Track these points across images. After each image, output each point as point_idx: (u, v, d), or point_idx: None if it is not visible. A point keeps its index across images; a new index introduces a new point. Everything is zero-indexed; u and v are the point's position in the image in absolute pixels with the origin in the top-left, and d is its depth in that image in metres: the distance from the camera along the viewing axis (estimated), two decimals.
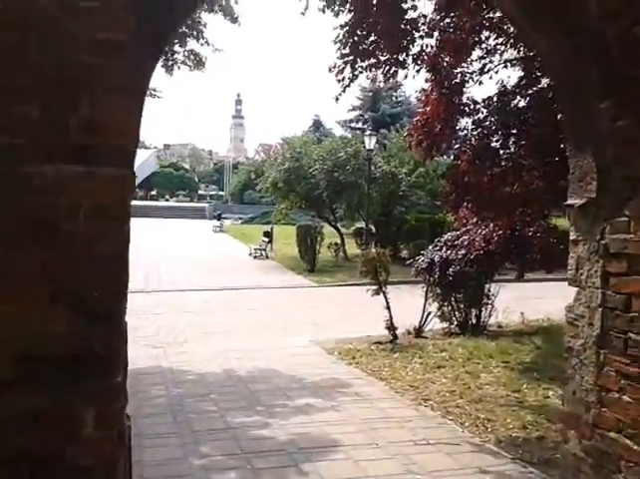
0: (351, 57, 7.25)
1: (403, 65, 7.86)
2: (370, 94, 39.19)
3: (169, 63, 9.86)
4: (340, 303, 14.33)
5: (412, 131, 9.19)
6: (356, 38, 7.15)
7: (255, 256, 23.32)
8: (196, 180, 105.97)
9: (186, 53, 9.92)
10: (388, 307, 9.60)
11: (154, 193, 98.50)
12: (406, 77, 8.12)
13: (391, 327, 9.66)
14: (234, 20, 9.36)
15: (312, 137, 23.29)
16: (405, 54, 7.75)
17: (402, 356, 8.59)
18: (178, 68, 9.94)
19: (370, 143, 18.75)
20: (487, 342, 9.27)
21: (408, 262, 11.16)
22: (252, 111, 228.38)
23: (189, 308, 13.02)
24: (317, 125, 42.93)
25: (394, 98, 39.50)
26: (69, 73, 2.27)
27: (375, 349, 9.09)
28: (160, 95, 10.71)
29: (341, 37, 7.19)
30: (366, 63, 7.39)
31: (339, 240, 21.82)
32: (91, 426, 2.35)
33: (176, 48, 9.79)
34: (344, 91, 7.61)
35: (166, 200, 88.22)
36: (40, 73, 2.24)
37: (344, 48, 7.17)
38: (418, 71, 8.10)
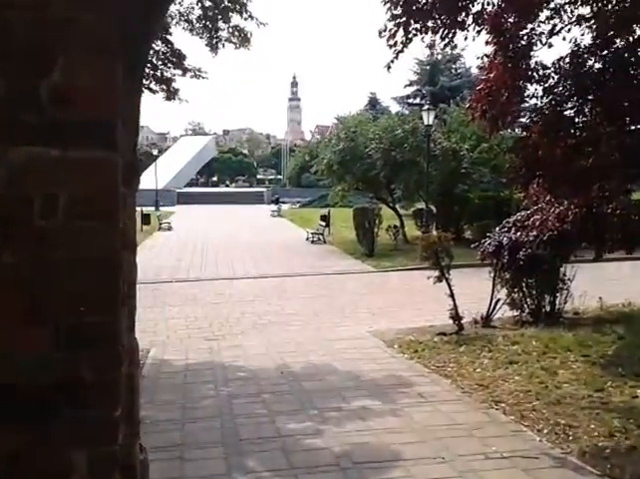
0: (403, 18, 6.50)
1: (462, 26, 7.06)
2: (427, 67, 37.73)
3: (214, 41, 9.43)
4: (400, 290, 13.69)
5: (474, 101, 8.39)
6: None
7: (313, 241, 22.91)
8: (255, 164, 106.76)
9: (230, 29, 9.42)
10: (452, 295, 8.92)
11: (214, 179, 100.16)
12: (465, 39, 7.28)
13: (456, 317, 8.98)
14: None
15: (367, 115, 22.44)
16: (464, 13, 6.94)
17: (469, 350, 7.91)
18: (223, 46, 9.49)
19: (428, 118, 17.80)
20: (564, 333, 8.41)
21: (473, 246, 10.36)
22: (309, 92, 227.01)
23: (246, 297, 12.75)
24: (373, 103, 41.83)
25: (453, 70, 37.85)
26: (38, 29, 1.82)
27: (439, 342, 8.45)
28: (205, 75, 10.28)
29: None
30: (420, 24, 6.61)
31: (398, 223, 21.02)
32: (83, 471, 1.94)
33: (220, 24, 9.33)
34: (396, 57, 6.88)
35: (227, 185, 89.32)
36: (3, 28, 1.79)
37: (395, 8, 6.42)
38: (479, 32, 7.27)
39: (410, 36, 6.66)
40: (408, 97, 37.11)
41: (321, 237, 22.88)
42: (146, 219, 28.30)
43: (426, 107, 17.51)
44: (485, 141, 20.65)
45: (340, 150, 20.14)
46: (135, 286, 2.62)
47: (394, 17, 6.44)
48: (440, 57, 38.21)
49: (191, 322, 10.48)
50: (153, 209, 40.95)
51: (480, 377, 6.69)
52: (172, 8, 9.62)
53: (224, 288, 13.75)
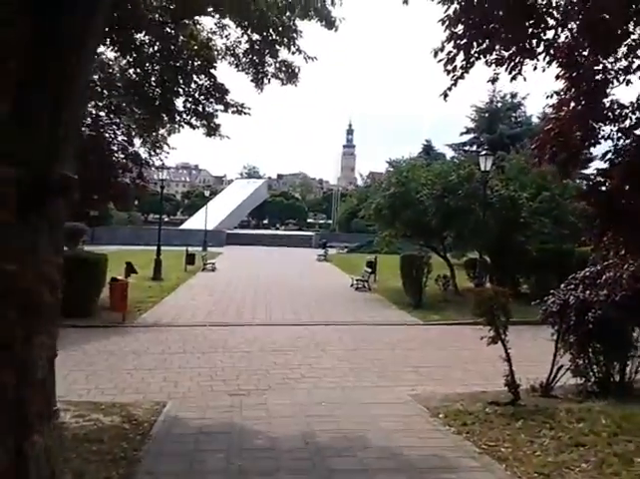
0: (464, 40, 5.67)
1: (531, 54, 6.19)
2: (486, 114, 36.86)
3: (259, 76, 8.93)
4: (448, 346, 12.49)
5: (542, 143, 7.47)
6: (471, 17, 5.57)
7: (357, 288, 21.92)
8: (306, 208, 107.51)
9: (278, 64, 8.92)
10: (508, 360, 7.79)
11: (266, 221, 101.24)
12: (535, 69, 6.38)
13: (512, 385, 7.82)
14: (330, 25, 8.22)
15: (421, 161, 21.65)
16: (536, 40, 6.08)
17: (526, 426, 6.74)
18: (269, 81, 8.97)
19: (486, 164, 16.81)
20: (638, 410, 7.11)
21: (534, 303, 9.22)
22: (363, 139, 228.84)
23: (279, 346, 11.86)
24: (427, 150, 41.11)
25: (513, 118, 36.81)
26: None
27: (491, 413, 7.30)
28: (249, 111, 9.77)
29: (451, 13, 5.60)
30: (485, 45, 5.76)
31: (448, 273, 19.83)
32: None
33: (267, 59, 8.83)
34: (455, 84, 6.02)
35: (276, 228, 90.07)
36: None
37: (454, 26, 5.60)
38: (549, 62, 6.37)
39: (471, 60, 5.81)
40: (464, 144, 36.21)
41: (366, 284, 21.88)
42: (190, 259, 28.13)
43: (483, 152, 16.56)
44: (547, 189, 19.46)
45: (390, 194, 19.31)
46: None
47: (453, 37, 5.61)
48: (499, 105, 37.43)
49: (217, 373, 9.64)
50: (200, 249, 41.12)
51: (541, 463, 5.54)
52: (219, 42, 9.29)
53: (259, 335, 12.92)
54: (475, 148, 33.45)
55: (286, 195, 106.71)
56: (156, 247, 24.05)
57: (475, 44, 5.67)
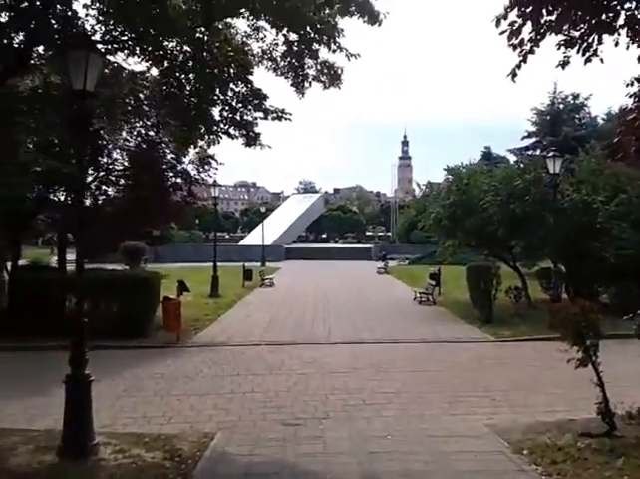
0: (530, 7, 4.75)
1: (610, 29, 5.20)
2: (548, 117, 35.03)
3: (299, 79, 8.28)
4: (525, 366, 11.32)
5: (624, 135, 6.48)
6: None
7: (420, 302, 20.83)
8: (364, 221, 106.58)
9: (319, 66, 8.24)
10: (601, 385, 6.72)
11: (324, 235, 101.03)
12: (617, 44, 5.37)
13: (606, 414, 6.73)
14: (373, 19, 7.49)
15: (481, 166, 20.45)
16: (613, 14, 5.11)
17: (630, 465, 5.73)
18: (310, 84, 8.31)
19: (554, 166, 15.49)
20: None
21: (627, 317, 8.10)
22: (419, 149, 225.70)
23: (338, 367, 11.07)
24: (487, 156, 39.46)
25: (577, 120, 34.80)
26: None
27: (584, 448, 6.28)
28: (289, 117, 9.13)
29: None
30: (555, 15, 4.81)
31: (519, 284, 18.47)
32: None
33: (307, 60, 8.17)
34: (524, 60, 5.10)
35: (335, 241, 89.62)
36: None
37: None
38: (633, 39, 5.35)
39: (542, 31, 4.88)
40: (527, 148, 34.47)
41: (430, 297, 20.76)
42: (248, 275, 27.82)
43: (551, 154, 15.28)
44: (623, 191, 17.85)
45: (450, 203, 18.22)
46: None
47: (518, 2, 4.68)
48: (561, 106, 35.53)
49: (271, 399, 8.95)
50: (259, 264, 41.04)
51: None
52: (255, 46, 8.75)
53: (317, 355, 12.17)
54: (538, 152, 31.74)
55: (343, 208, 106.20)
56: (218, 264, 23.89)
57: (544, 11, 4.73)
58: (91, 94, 6.53)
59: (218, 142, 9.56)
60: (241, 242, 62.17)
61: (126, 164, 18.44)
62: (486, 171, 20.33)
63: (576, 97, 35.62)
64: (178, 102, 8.73)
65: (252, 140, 9.11)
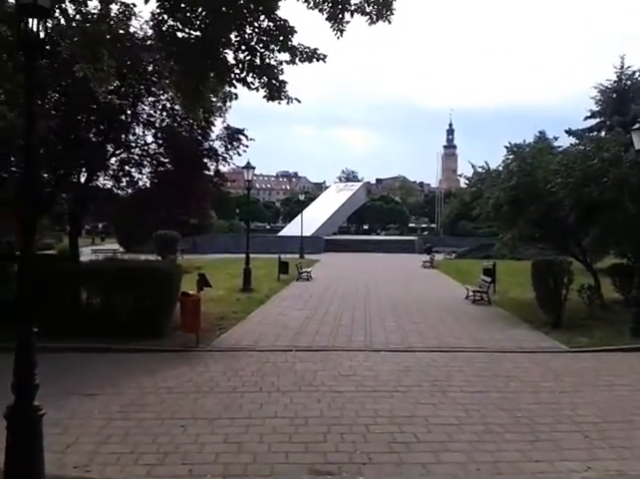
0: None
1: None
2: (614, 95, 31.81)
3: (337, 11, 6.26)
4: (613, 386, 9.07)
5: None
6: None
7: (474, 300, 18.54)
8: (407, 212, 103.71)
9: None
10: None
11: (365, 227, 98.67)
12: None
13: None
14: None
15: (547, 144, 17.89)
16: None
17: None
18: (351, 15, 6.27)
19: None
20: None
21: None
22: (464, 138, 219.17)
23: (382, 383, 9.07)
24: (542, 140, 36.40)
25: None
26: None
27: None
28: (323, 57, 7.14)
29: None
30: None
31: (590, 281, 15.98)
32: None
33: None
34: None
35: (377, 233, 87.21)
36: None
37: None
38: None
39: None
40: (590, 130, 31.41)
41: (485, 295, 18.45)
42: (284, 267, 26.05)
43: (638, 125, 12.75)
44: None
45: (512, 186, 15.84)
46: None
47: None
48: (629, 83, 32.22)
49: (298, 428, 7.03)
50: (298, 256, 39.31)
51: None
52: None
53: (356, 366, 10.21)
54: (603, 133, 28.71)
55: (386, 198, 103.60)
56: (254, 255, 22.15)
57: None
58: (45, 11, 4.68)
59: (235, 97, 7.72)
60: (280, 233, 60.58)
61: (150, 141, 16.87)
62: (552, 149, 17.83)
63: None
64: (181, 42, 6.85)
65: (276, 90, 7.16)
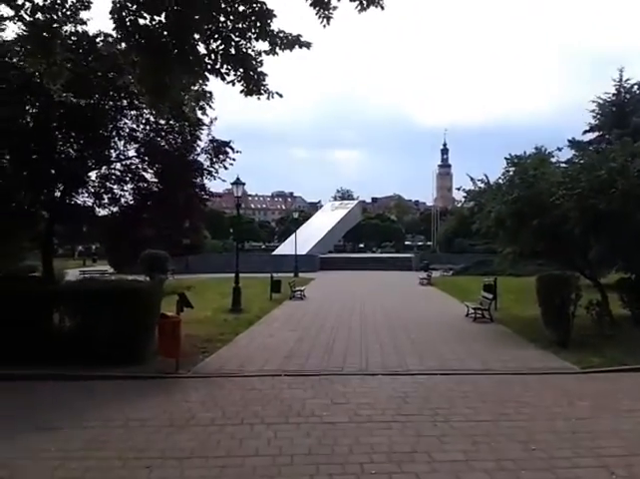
0: None
1: None
2: (613, 108, 31.27)
3: None
4: (635, 412, 8.15)
5: None
6: None
7: (475, 318, 17.64)
8: (403, 230, 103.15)
9: None
10: None
11: (361, 245, 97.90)
12: None
13: None
14: None
15: (549, 155, 17.13)
16: None
17: None
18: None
19: None
20: None
21: None
22: (458, 158, 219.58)
23: (379, 412, 8.13)
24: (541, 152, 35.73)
25: None
26: None
27: None
28: (308, 44, 6.34)
29: None
30: None
31: (598, 297, 15.10)
32: None
33: None
34: None
35: (373, 251, 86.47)
36: None
37: None
38: None
39: None
40: (589, 143, 30.81)
41: (486, 313, 17.56)
42: (276, 286, 25.13)
43: None
44: None
45: (514, 199, 15.03)
46: None
47: None
48: (627, 96, 31.71)
49: (282, 469, 6.10)
50: (292, 274, 38.45)
51: None
52: None
53: (350, 392, 9.27)
54: (603, 146, 28.10)
55: (382, 216, 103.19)
56: (249, 274, 21.22)
57: None
58: None
59: (210, 95, 6.94)
60: (275, 252, 59.67)
61: (132, 156, 16.08)
62: (554, 162, 17.07)
63: None
64: (145, 30, 6.04)
65: (254, 84, 6.36)
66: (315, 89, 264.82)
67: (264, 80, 6.49)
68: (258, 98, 6.57)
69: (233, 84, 6.42)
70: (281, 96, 6.79)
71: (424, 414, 8.00)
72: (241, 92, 6.53)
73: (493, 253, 24.36)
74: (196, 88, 7.34)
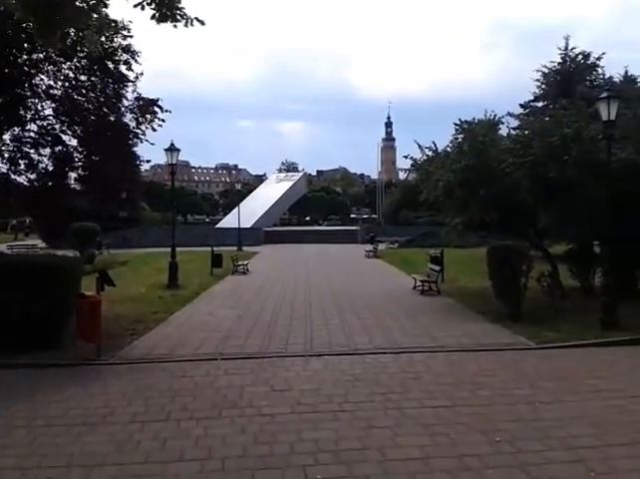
0: None
1: None
2: (558, 77, 31.22)
3: None
4: (599, 392, 7.63)
5: None
6: None
7: (423, 291, 17.09)
8: (348, 203, 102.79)
9: None
10: None
11: (307, 218, 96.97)
12: None
13: None
14: None
15: (499, 122, 16.54)
16: None
17: None
18: None
19: (609, 112, 11.50)
20: None
21: None
22: (402, 130, 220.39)
23: (326, 400, 7.29)
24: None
25: (588, 82, 31.04)
26: None
27: None
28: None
29: None
30: None
31: (550, 268, 14.76)
32: None
33: None
34: None
35: (319, 224, 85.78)
36: None
37: None
38: None
39: None
40: (534, 113, 30.75)
41: (434, 285, 17.04)
42: (217, 260, 23.90)
43: (605, 94, 11.46)
44: None
45: (463, 167, 14.37)
46: None
47: None
48: (573, 66, 31.72)
49: (210, 476, 5.14)
50: (236, 248, 37.17)
51: None
52: None
53: (292, 377, 8.38)
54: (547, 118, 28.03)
55: (327, 189, 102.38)
56: (191, 248, 19.78)
57: None
58: None
59: (114, 24, 5.73)
60: (218, 225, 57.87)
61: (49, 115, 14.40)
62: (504, 127, 16.53)
63: (587, 57, 31.85)
64: None
65: (167, 7, 5.19)
66: (261, 59, 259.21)
67: (179, 2, 5.33)
68: (174, 25, 5.42)
69: (142, 7, 5.25)
70: (202, 23, 5.63)
71: (374, 401, 7.20)
72: (152, 18, 5.36)
73: (438, 225, 23.98)
74: (96, 16, 6.07)
